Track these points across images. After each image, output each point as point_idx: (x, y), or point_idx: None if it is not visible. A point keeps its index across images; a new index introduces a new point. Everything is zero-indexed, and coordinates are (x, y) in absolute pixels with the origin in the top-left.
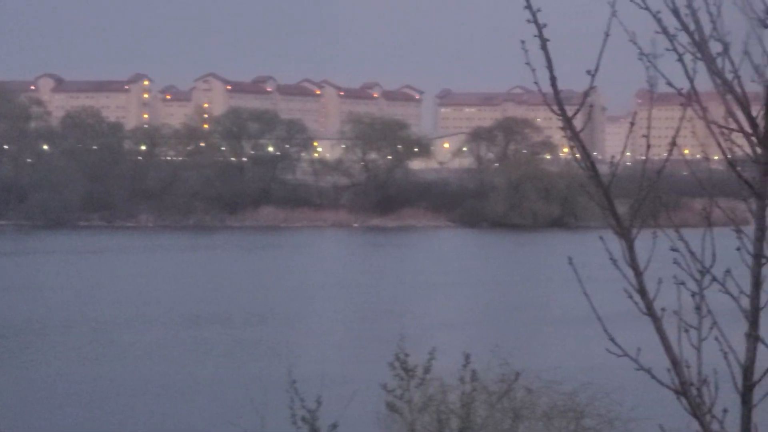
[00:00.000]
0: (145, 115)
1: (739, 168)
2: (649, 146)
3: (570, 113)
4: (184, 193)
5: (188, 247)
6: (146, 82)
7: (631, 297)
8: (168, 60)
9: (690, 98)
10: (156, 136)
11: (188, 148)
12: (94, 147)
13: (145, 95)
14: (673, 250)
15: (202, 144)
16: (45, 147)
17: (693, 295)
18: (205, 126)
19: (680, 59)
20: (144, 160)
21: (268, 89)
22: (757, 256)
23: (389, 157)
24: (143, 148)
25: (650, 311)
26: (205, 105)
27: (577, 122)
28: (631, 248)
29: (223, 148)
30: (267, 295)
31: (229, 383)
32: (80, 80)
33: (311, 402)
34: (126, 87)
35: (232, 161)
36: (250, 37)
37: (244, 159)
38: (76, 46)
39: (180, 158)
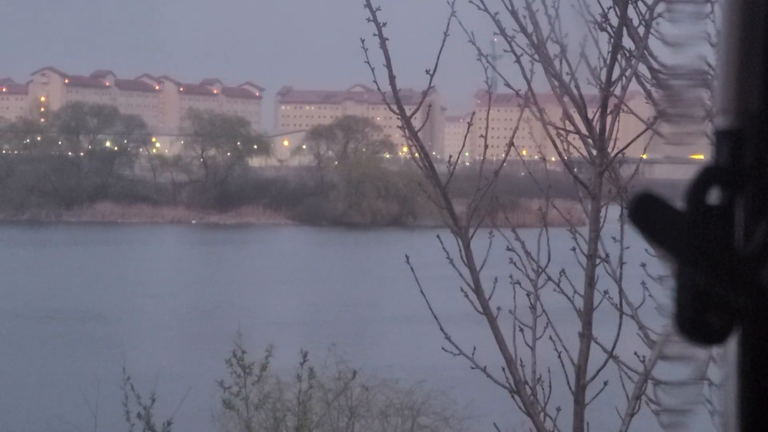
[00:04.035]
0: None
1: (575, 169)
2: (486, 146)
3: (409, 112)
4: (19, 188)
5: (23, 241)
6: None
7: (467, 296)
8: (4, 52)
9: (528, 99)
10: None
11: (24, 141)
12: None
13: None
14: (510, 249)
15: (39, 138)
16: None
17: (528, 294)
18: (42, 120)
19: (518, 61)
20: None
21: (107, 84)
22: (592, 257)
23: (228, 154)
24: None
25: (486, 310)
26: (43, 99)
27: (417, 121)
28: (467, 247)
29: (60, 143)
30: (102, 291)
31: (61, 379)
32: None
33: (146, 399)
34: None
35: (69, 156)
36: (89, 30)
37: (82, 154)
38: None
39: (16, 152)
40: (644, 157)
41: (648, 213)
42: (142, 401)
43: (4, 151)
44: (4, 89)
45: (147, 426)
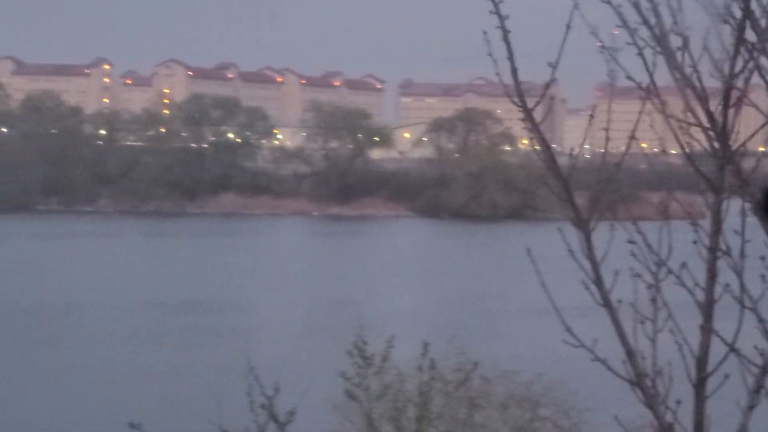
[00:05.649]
0: (106, 100)
1: (696, 162)
2: (608, 139)
3: (530, 105)
4: (143, 179)
5: (148, 232)
6: (107, 67)
7: (588, 288)
8: (129, 45)
9: (649, 92)
10: (116, 121)
11: (149, 133)
12: (54, 131)
13: (106, 80)
14: (630, 242)
15: (163, 130)
16: (4, 130)
17: (649, 287)
18: (166, 112)
19: (640, 53)
20: (104, 145)
21: (230, 76)
22: (713, 250)
23: (350, 146)
24: (103, 132)
25: (606, 302)
26: (166, 90)
27: (537, 114)
28: (588, 240)
29: (183, 135)
30: (225, 283)
31: (186, 370)
32: (41, 63)
33: (269, 389)
34: (86, 71)
35: (193, 147)
36: (213, 22)
37: (205, 145)
38: (37, 28)
39: (140, 144)
40: (763, 150)
41: None
42: (265, 391)
43: (129, 143)
44: (129, 81)
45: (270, 416)
